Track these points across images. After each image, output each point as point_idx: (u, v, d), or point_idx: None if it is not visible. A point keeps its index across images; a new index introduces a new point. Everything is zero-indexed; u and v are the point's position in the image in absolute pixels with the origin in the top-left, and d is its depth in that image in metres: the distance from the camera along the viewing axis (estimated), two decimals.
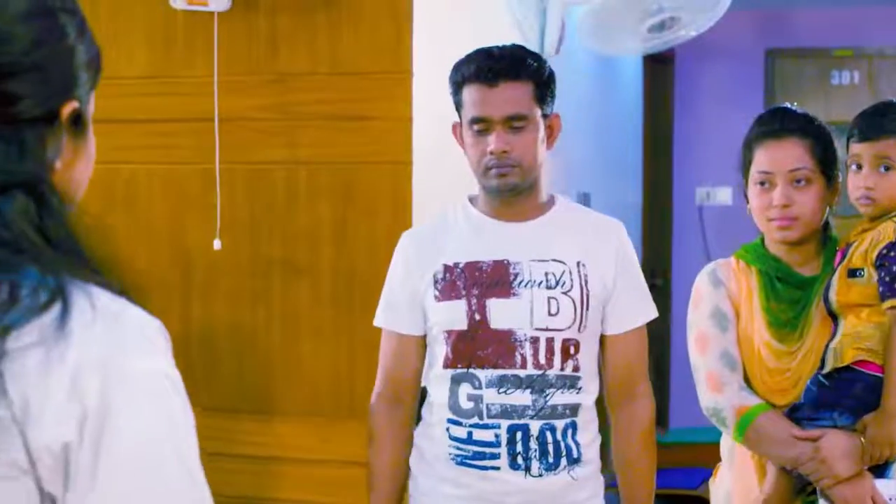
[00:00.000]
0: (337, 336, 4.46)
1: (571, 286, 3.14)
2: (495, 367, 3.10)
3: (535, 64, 3.17)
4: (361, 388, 4.33)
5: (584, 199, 6.54)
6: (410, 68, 4.33)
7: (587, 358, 3.18)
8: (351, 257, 4.45)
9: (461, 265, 3.17)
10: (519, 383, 3.10)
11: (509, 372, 3.10)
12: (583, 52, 6.35)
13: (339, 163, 4.44)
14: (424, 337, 3.27)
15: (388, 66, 4.36)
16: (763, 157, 3.22)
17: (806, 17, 8.82)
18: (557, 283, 3.13)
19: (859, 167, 3.15)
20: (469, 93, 3.15)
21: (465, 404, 3.14)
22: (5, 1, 1.32)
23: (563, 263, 3.15)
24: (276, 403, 4.54)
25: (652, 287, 3.57)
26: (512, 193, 3.17)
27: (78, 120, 1.40)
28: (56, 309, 1.26)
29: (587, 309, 3.15)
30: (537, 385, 3.10)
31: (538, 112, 3.15)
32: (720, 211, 8.71)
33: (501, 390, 3.09)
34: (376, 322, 3.34)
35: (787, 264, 3.26)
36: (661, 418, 8.40)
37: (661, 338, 8.02)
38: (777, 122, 3.25)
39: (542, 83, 3.16)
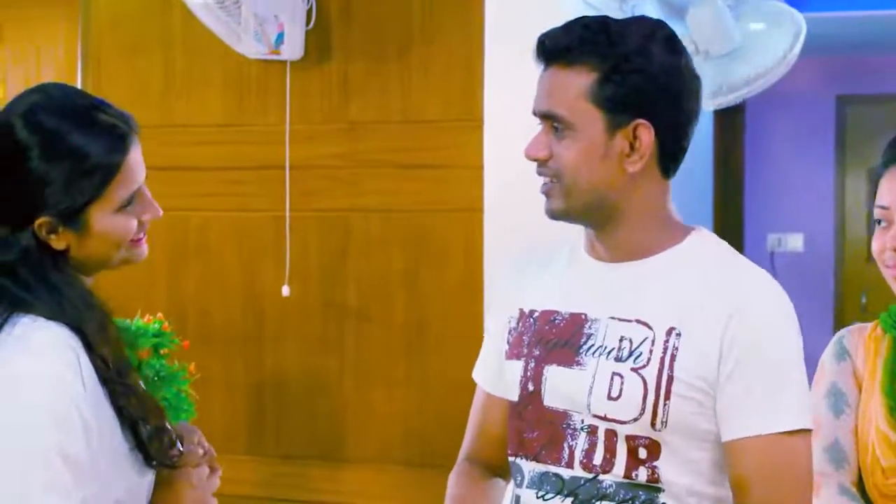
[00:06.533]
0: (408, 383, 4.46)
1: (647, 362, 2.07)
2: (537, 459, 2.17)
3: (610, 45, 2.08)
4: (433, 435, 4.33)
5: None
6: (482, 116, 4.35)
7: (677, 469, 2.08)
8: (422, 304, 4.45)
9: (536, 314, 2.22)
10: (560, 487, 2.13)
11: (551, 469, 2.14)
12: None
13: (410, 210, 4.46)
14: None
15: (459, 114, 4.40)
16: (884, 188, 2.38)
17: (876, 64, 8.76)
18: (630, 354, 2.09)
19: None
20: None
21: None
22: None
23: (648, 328, 2.09)
24: (348, 451, 4.54)
25: None
26: (575, 221, 2.19)
27: (68, 221, 1.93)
28: None
29: (667, 397, 2.05)
30: (583, 494, 2.11)
31: (596, 115, 2.08)
32: (792, 258, 8.63)
33: (540, 494, 2.15)
34: (473, 373, 2.41)
35: None
36: None
37: None
38: None
39: (615, 74, 2.08)
